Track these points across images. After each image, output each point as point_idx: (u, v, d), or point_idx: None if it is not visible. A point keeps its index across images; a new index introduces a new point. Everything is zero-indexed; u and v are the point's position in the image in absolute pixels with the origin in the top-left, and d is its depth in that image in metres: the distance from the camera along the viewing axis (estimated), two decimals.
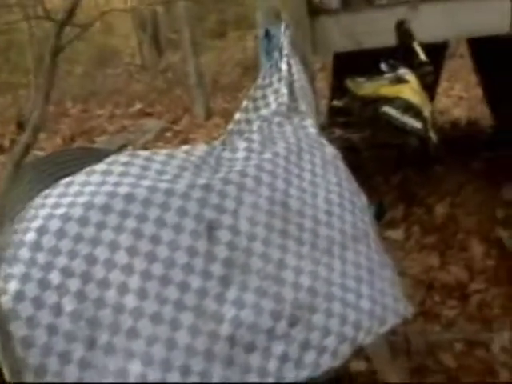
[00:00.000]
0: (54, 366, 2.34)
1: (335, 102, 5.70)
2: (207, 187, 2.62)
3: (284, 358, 2.49)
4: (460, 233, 4.91)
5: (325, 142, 3.16)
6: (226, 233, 2.57)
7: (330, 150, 3.13)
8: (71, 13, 1.80)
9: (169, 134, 8.28)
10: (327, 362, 2.55)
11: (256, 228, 2.63)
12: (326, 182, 2.95)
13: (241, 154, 2.89)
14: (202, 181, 2.65)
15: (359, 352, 3.12)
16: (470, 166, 5.88)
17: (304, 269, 2.64)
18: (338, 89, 5.44)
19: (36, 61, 10.12)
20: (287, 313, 2.52)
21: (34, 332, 2.33)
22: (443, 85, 8.08)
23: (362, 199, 3.12)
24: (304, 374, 2.51)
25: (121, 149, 7.52)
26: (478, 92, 7.27)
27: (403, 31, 4.17)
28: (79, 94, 10.46)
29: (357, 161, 6.17)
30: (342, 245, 2.81)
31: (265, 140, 3.00)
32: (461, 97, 8.59)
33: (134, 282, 2.42)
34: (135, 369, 2.36)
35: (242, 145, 2.95)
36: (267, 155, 2.88)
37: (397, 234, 5.01)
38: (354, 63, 4.51)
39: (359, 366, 3.41)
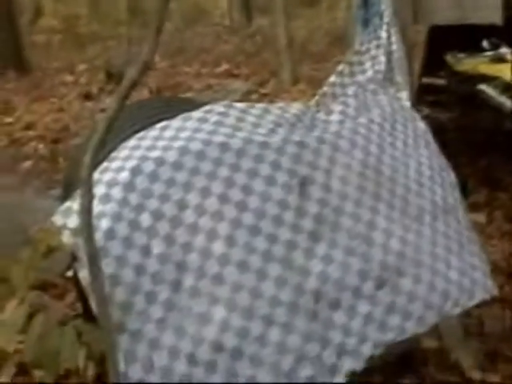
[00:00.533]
0: (139, 305, 2.39)
1: (426, 79, 5.60)
2: (302, 144, 2.61)
3: (368, 318, 2.48)
4: None
5: (417, 116, 3.13)
6: (318, 189, 2.55)
7: (422, 125, 3.10)
8: None
9: (254, 97, 8.27)
10: (412, 328, 2.53)
11: (348, 188, 2.61)
12: (418, 155, 2.92)
13: (335, 117, 2.86)
14: (296, 137, 2.64)
15: (432, 330, 3.10)
16: None
17: (394, 232, 2.62)
18: (430, 65, 5.33)
19: (129, 12, 10.25)
20: (375, 274, 2.51)
21: (122, 270, 2.39)
22: None
23: (452, 176, 3.08)
24: (388, 337, 2.50)
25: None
26: None
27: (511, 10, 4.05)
28: (168, 49, 10.52)
29: (443, 141, 6.12)
30: (433, 215, 2.78)
31: (360, 106, 2.98)
32: None
33: (223, 229, 2.43)
34: (218, 314, 2.38)
35: (337, 108, 2.93)
36: (363, 120, 2.86)
37: (479, 217, 4.89)
38: (452, 38, 4.41)
39: (431, 343, 3.36)
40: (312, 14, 13.14)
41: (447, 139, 6.17)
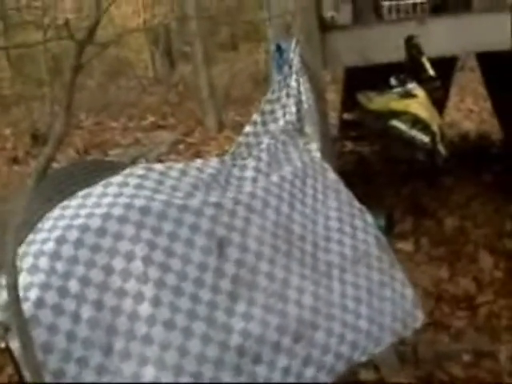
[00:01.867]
0: (72, 371, 2.43)
1: (346, 116, 5.79)
2: (219, 205, 2.73)
3: (287, 371, 2.62)
4: (469, 245, 4.95)
5: (327, 166, 3.28)
6: (235, 250, 2.68)
7: (332, 175, 3.25)
8: (92, 32, 1.89)
9: (181, 147, 8.36)
10: (324, 378, 2.69)
11: (262, 247, 2.75)
12: (326, 208, 3.08)
13: (249, 174, 3.00)
14: (213, 199, 2.75)
15: (368, 361, 3.21)
16: (480, 178, 5.93)
17: (306, 289, 2.77)
18: (349, 102, 5.50)
19: (50, 73, 10.25)
20: (292, 329, 2.65)
21: (53, 338, 2.42)
22: (453, 98, 8.14)
23: (367, 219, 3.23)
24: None
25: (134, 161, 7.62)
26: (489, 105, 7.32)
27: (412, 46, 4.24)
28: (93, 106, 10.56)
29: (367, 174, 6.30)
30: (341, 267, 2.94)
31: (272, 161, 3.11)
32: (471, 110, 8.65)
33: (149, 290, 2.51)
34: (149, 373, 2.46)
35: (250, 163, 3.06)
36: (275, 178, 2.99)
37: (406, 245, 5.06)
38: (365, 78, 4.58)
39: (368, 374, 3.46)
40: (233, 57, 13.35)
41: (371, 172, 6.41)
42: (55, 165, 7.56)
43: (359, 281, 2.96)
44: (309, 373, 2.66)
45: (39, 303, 2.44)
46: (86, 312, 2.47)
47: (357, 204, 3.23)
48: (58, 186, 3.11)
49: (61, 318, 2.44)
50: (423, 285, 4.49)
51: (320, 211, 3.03)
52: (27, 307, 2.37)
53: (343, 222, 3.08)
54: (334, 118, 7.39)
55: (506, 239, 4.93)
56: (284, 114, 3.48)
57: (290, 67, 3.76)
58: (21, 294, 2.40)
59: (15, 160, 8.44)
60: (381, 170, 6.37)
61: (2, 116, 11.03)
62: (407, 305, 3.06)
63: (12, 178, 7.69)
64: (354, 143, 7.14)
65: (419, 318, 3.05)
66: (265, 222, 2.80)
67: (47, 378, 2.38)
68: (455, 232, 5.16)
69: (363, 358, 2.83)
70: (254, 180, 2.94)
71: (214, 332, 2.52)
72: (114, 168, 2.97)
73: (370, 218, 3.24)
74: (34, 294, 2.45)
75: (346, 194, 3.21)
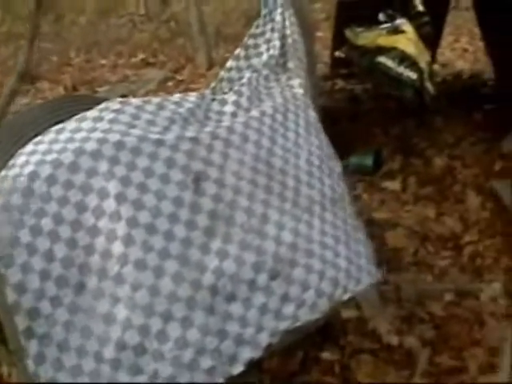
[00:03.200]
0: (45, 310, 2.42)
1: (337, 53, 5.69)
2: (195, 140, 2.65)
3: (264, 309, 2.59)
4: (456, 185, 4.93)
5: (309, 103, 3.19)
6: (212, 185, 2.62)
7: (313, 113, 3.17)
8: None
9: (170, 84, 8.24)
10: (305, 316, 2.66)
11: (241, 182, 2.68)
12: (309, 144, 3.01)
13: (229, 108, 2.91)
14: (190, 133, 2.67)
15: (350, 300, 3.21)
16: (471, 118, 5.87)
17: (286, 224, 2.72)
18: (340, 39, 5.41)
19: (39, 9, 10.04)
20: (268, 266, 2.61)
21: (27, 277, 2.40)
22: (447, 38, 8.01)
23: (338, 165, 3.19)
24: (283, 326, 2.62)
25: (122, 98, 7.53)
26: (482, 45, 7.20)
27: None
28: (82, 43, 10.38)
29: (357, 112, 6.23)
30: (322, 205, 2.89)
31: (253, 95, 3.02)
32: (465, 49, 8.51)
33: (121, 228, 2.47)
34: (120, 313, 2.44)
35: (231, 98, 2.97)
36: (254, 113, 2.91)
37: (394, 184, 5.03)
38: (355, 13, 4.49)
39: (350, 313, 3.46)
40: None
41: (362, 110, 6.34)
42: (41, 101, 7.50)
43: (337, 221, 2.93)
44: (288, 310, 2.62)
45: (13, 242, 2.41)
46: (60, 251, 2.44)
47: (331, 147, 3.18)
48: (35, 121, 3.06)
49: (34, 257, 2.42)
50: (409, 224, 4.48)
51: (302, 146, 2.96)
52: (2, 246, 2.37)
53: (323, 161, 3.02)
54: (325, 56, 7.28)
55: (494, 180, 4.89)
56: (268, 49, 3.38)
57: (275, 1, 3.66)
58: None
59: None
60: (371, 108, 6.29)
61: None
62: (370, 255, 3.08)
63: None
64: (345, 81, 7.03)
65: (375, 274, 3.02)
66: (244, 156, 2.73)
67: (21, 319, 2.40)
68: (443, 172, 5.13)
69: (345, 297, 2.80)
70: (234, 115, 2.87)
71: (187, 271, 2.49)
72: (97, 103, 2.90)
73: (339, 165, 3.19)
74: (7, 232, 2.41)
75: (323, 134, 3.16)
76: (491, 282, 3.79)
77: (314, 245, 2.75)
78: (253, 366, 2.68)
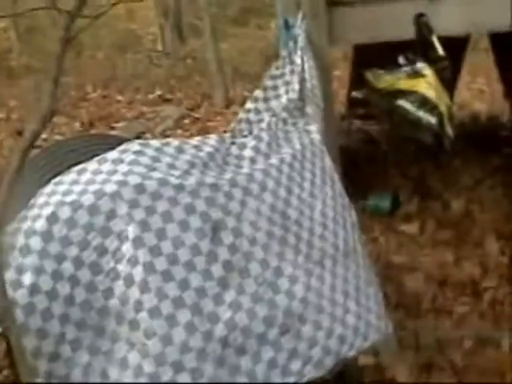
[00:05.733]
0: (66, 353, 2.46)
1: (355, 93, 5.69)
2: (215, 187, 2.63)
3: (272, 364, 2.58)
4: (475, 229, 4.87)
5: (325, 150, 3.18)
6: (229, 235, 2.59)
7: (329, 161, 3.16)
8: (82, 3, 1.80)
9: (187, 121, 8.27)
10: (311, 372, 2.65)
11: (257, 233, 2.66)
12: (324, 195, 3.00)
13: (248, 153, 2.90)
14: (210, 179, 2.66)
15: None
16: (489, 161, 5.84)
17: (298, 278, 2.70)
18: (358, 80, 5.41)
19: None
20: (279, 321, 2.60)
21: (48, 323, 2.43)
22: (464, 78, 8.01)
23: (353, 215, 3.18)
24: (289, 381, 2.60)
25: (139, 136, 7.55)
26: (500, 86, 7.20)
27: (422, 24, 4.15)
28: (100, 78, 10.46)
29: (374, 153, 6.22)
30: (334, 259, 2.89)
31: (272, 141, 3.01)
32: (482, 90, 8.53)
33: (138, 274, 2.44)
34: (133, 359, 2.44)
35: (250, 143, 2.95)
36: (274, 160, 2.89)
37: (411, 228, 4.99)
38: (373, 56, 4.48)
39: (367, 360, 3.40)
40: (243, 33, 13.20)
41: (378, 151, 6.32)
42: (60, 138, 7.54)
43: (348, 275, 2.92)
44: (295, 366, 2.62)
45: (34, 289, 2.42)
46: (79, 295, 2.45)
47: (346, 197, 3.17)
48: (56, 160, 3.06)
49: (55, 303, 2.43)
50: (427, 269, 4.43)
51: (318, 197, 2.95)
52: (22, 293, 2.40)
53: (337, 212, 3.01)
54: (343, 95, 7.30)
55: None
56: (287, 92, 3.39)
57: (295, 43, 3.67)
58: (14, 275, 2.41)
59: (20, 132, 8.34)
60: (388, 149, 6.28)
61: (9, 88, 10.96)
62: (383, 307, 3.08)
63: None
64: (362, 121, 7.04)
65: (384, 330, 3.01)
66: (261, 205, 2.71)
67: (42, 363, 2.44)
68: (461, 215, 5.08)
69: (351, 353, 2.80)
70: (253, 160, 2.85)
71: (200, 321, 2.46)
72: (115, 143, 2.90)
73: (355, 215, 3.17)
74: (28, 278, 2.42)
75: (338, 183, 3.15)
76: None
77: (324, 301, 2.75)
78: None
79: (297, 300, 2.65)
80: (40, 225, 2.48)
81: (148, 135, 7.70)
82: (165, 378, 2.41)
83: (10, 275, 2.38)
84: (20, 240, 2.47)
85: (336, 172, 3.18)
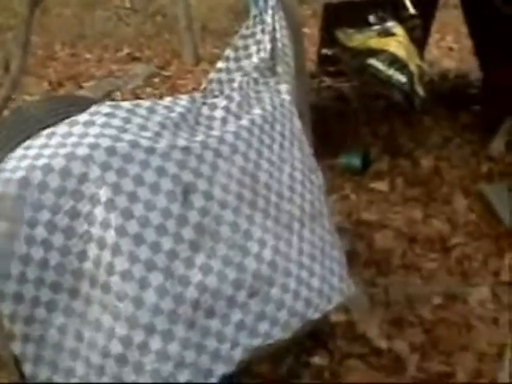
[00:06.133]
0: (41, 316, 2.50)
1: (325, 51, 5.68)
2: (187, 150, 2.61)
3: (240, 326, 2.62)
4: (444, 186, 4.95)
5: (295, 111, 3.16)
6: (200, 198, 2.59)
7: (298, 123, 3.15)
8: None
9: (157, 80, 8.19)
10: (278, 334, 2.71)
11: (228, 196, 2.66)
12: (292, 157, 3.00)
13: (219, 114, 2.87)
14: (182, 142, 2.64)
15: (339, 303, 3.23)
16: (458, 119, 5.89)
17: (267, 242, 2.73)
18: (328, 38, 5.40)
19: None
20: (248, 283, 2.63)
21: (23, 286, 2.45)
22: (434, 35, 8.01)
23: (320, 177, 3.19)
24: (257, 343, 2.66)
25: (108, 94, 7.47)
26: (470, 43, 7.21)
27: None
28: (67, 37, 10.28)
29: (345, 110, 6.22)
30: (301, 222, 2.91)
31: (243, 101, 2.98)
32: (451, 48, 8.53)
33: (110, 237, 2.45)
34: (106, 322, 2.47)
35: (221, 103, 2.93)
36: (244, 122, 2.87)
37: (381, 185, 5.05)
38: (344, 13, 4.48)
39: (338, 317, 3.46)
40: None
41: (349, 109, 6.33)
42: (28, 98, 7.43)
43: (314, 239, 2.95)
44: (262, 328, 2.67)
45: (8, 255, 2.42)
46: (54, 258, 2.46)
47: (313, 159, 3.18)
48: (25, 123, 3.03)
49: (29, 267, 2.44)
50: (397, 226, 4.49)
51: (286, 159, 2.95)
52: None
53: (305, 174, 3.02)
54: (312, 52, 7.26)
55: (481, 181, 4.91)
56: (258, 51, 3.36)
57: (266, 2, 3.63)
58: None
59: None
60: (359, 107, 6.28)
61: None
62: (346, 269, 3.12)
63: None
64: (333, 79, 7.01)
65: (346, 292, 3.06)
66: (231, 168, 2.70)
67: (18, 327, 2.49)
68: (430, 173, 5.15)
69: (316, 316, 2.85)
70: (224, 121, 2.84)
71: (171, 284, 2.48)
72: (85, 104, 2.87)
73: (322, 176, 3.18)
74: (1, 244, 2.42)
75: (306, 144, 3.15)
76: (479, 286, 3.80)
77: (291, 264, 2.78)
78: (243, 370, 2.71)
79: (265, 263, 2.68)
80: (11, 189, 2.46)
81: (117, 94, 7.62)
82: (136, 340, 2.44)
83: None
84: None
85: (305, 132, 3.18)
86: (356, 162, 5.27)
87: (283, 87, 3.15)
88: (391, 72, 4.11)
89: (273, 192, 2.83)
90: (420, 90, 4.20)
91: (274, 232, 2.77)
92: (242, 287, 2.61)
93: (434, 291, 3.77)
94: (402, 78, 4.10)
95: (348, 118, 6.06)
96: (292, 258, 2.79)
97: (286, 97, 3.11)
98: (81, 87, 7.96)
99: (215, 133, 2.76)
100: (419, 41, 4.76)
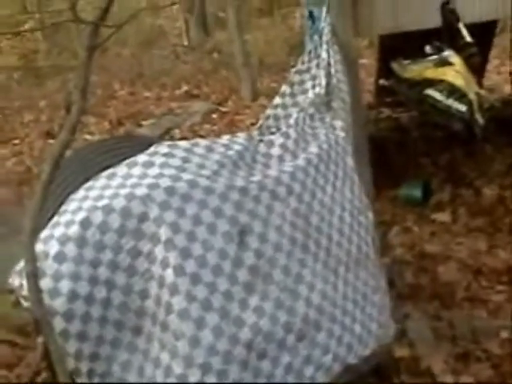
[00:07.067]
0: (105, 353, 2.55)
1: (382, 81, 5.65)
2: (244, 191, 2.63)
3: (288, 369, 2.64)
4: (509, 216, 4.82)
5: (349, 149, 3.16)
6: (255, 240, 2.61)
7: (351, 161, 3.15)
8: (105, 12, 1.81)
9: (215, 116, 8.28)
10: (321, 378, 2.73)
11: (282, 239, 2.68)
12: (342, 198, 3.01)
13: (276, 151, 2.89)
14: (239, 182, 2.66)
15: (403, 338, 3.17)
16: None
17: (316, 286, 2.75)
18: (385, 68, 5.37)
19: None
20: (297, 327, 2.65)
21: (87, 326, 2.49)
22: (493, 61, 7.91)
23: (369, 217, 3.17)
24: None
25: (167, 132, 7.58)
26: None
27: (448, 12, 4.11)
28: (126, 76, 10.51)
29: (404, 141, 6.17)
30: (346, 266, 2.92)
31: (299, 138, 2.99)
32: None
33: (169, 276, 2.47)
34: (164, 359, 2.51)
35: (278, 140, 2.94)
36: (300, 161, 2.87)
37: (444, 216, 4.95)
38: (400, 44, 4.46)
39: (403, 352, 3.40)
40: (268, 23, 13.16)
41: (409, 139, 6.27)
42: (89, 137, 7.60)
43: (358, 284, 2.96)
44: (308, 372, 2.69)
45: (72, 296, 2.46)
46: (116, 297, 2.50)
47: (364, 198, 3.17)
48: (85, 164, 3.08)
49: (93, 307, 2.48)
50: (460, 257, 4.40)
51: (337, 201, 2.95)
52: (60, 301, 2.43)
53: (353, 216, 3.01)
54: (370, 83, 7.25)
55: None
56: (313, 86, 3.38)
57: (321, 37, 3.65)
58: (50, 283, 2.44)
59: (49, 133, 8.41)
60: (418, 137, 6.23)
61: (37, 88, 11.05)
62: (386, 314, 3.12)
63: (46, 152, 7.68)
64: (391, 109, 6.99)
65: (382, 339, 3.07)
66: (286, 210, 2.71)
67: (84, 364, 2.53)
68: (494, 202, 5.02)
69: (354, 360, 2.87)
70: (281, 159, 2.85)
71: (226, 324, 2.50)
72: (144, 143, 2.91)
73: (372, 216, 3.17)
74: (65, 286, 2.45)
75: (357, 184, 3.14)
76: None
77: (337, 310, 2.81)
78: None
79: (314, 307, 2.71)
80: (73, 231, 2.50)
81: (176, 131, 7.72)
82: (193, 379, 2.46)
83: (46, 283, 2.41)
84: (54, 247, 2.50)
85: (361, 168, 3.18)
86: (417, 192, 5.20)
87: (338, 123, 3.15)
88: (450, 102, 4.05)
89: (323, 235, 2.84)
90: (480, 119, 4.12)
91: (322, 276, 2.79)
92: (291, 330, 2.63)
93: (502, 325, 3.65)
94: (462, 107, 4.04)
95: (408, 149, 6.01)
96: (337, 303, 2.82)
97: (341, 133, 3.11)
98: (140, 125, 8.10)
99: (272, 172, 2.77)
100: (477, 68, 4.68)
